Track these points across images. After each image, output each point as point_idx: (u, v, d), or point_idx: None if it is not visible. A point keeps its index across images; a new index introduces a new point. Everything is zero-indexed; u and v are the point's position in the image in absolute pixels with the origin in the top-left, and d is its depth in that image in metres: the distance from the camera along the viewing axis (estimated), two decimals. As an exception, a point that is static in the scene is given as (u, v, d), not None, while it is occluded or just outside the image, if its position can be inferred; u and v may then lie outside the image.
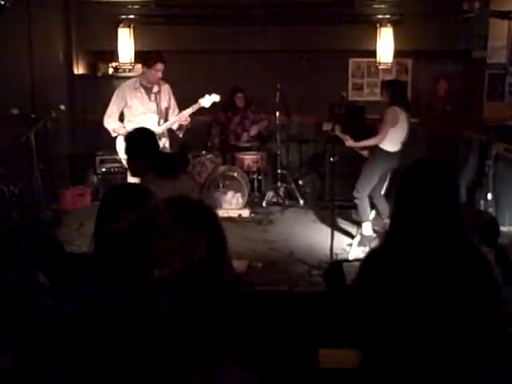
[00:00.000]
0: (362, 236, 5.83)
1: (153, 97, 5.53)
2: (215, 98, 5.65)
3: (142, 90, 5.53)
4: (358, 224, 6.09)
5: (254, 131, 7.67)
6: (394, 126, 5.64)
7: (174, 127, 5.66)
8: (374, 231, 5.88)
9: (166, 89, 5.64)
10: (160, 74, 5.49)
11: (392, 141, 5.70)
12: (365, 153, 5.92)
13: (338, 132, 5.93)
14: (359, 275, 2.10)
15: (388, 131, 5.63)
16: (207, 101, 5.61)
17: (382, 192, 5.98)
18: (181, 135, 5.77)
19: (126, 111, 5.54)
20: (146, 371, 1.12)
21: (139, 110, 5.52)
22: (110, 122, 5.50)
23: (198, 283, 1.12)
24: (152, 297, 1.09)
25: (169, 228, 1.12)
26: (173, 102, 5.72)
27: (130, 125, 5.37)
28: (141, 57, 5.69)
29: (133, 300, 1.10)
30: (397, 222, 2.10)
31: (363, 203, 5.82)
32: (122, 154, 5.23)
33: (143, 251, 1.10)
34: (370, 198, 5.90)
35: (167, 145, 5.67)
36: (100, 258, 1.97)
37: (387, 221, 5.63)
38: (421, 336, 1.93)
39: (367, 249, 5.61)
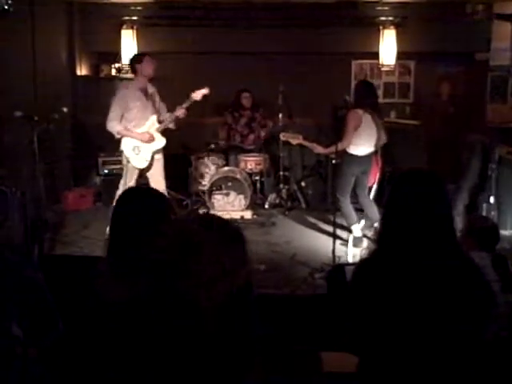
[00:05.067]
0: (354, 237, 5.83)
1: (149, 98, 5.83)
2: (204, 90, 5.84)
3: (141, 93, 5.77)
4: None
5: (263, 133, 7.72)
6: (355, 130, 5.51)
7: (171, 125, 5.99)
8: (365, 236, 5.87)
9: (155, 91, 5.97)
10: (152, 65, 5.77)
11: (358, 144, 5.59)
12: (334, 157, 5.75)
13: (302, 141, 5.90)
14: (352, 284, 2.10)
15: (351, 135, 5.51)
16: (198, 94, 5.82)
17: (371, 197, 5.98)
18: (173, 126, 6.04)
19: (126, 114, 5.74)
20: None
21: (140, 111, 5.76)
22: (115, 126, 5.70)
23: (237, 307, 1.12)
24: (196, 320, 1.08)
25: (213, 253, 1.11)
26: (161, 104, 6.06)
27: (131, 126, 5.74)
28: (128, 62, 5.94)
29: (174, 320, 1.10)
30: (387, 230, 2.09)
31: (346, 208, 5.79)
32: (127, 153, 5.76)
33: (187, 279, 1.09)
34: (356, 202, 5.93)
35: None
36: (116, 262, 1.97)
37: (377, 225, 5.66)
38: (414, 343, 1.93)
39: (362, 249, 5.63)
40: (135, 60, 5.84)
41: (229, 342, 1.13)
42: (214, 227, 1.18)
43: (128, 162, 5.79)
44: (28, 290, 2.16)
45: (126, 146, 5.77)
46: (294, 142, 6.00)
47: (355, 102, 5.65)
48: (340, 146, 5.52)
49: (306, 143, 5.91)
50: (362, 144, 5.62)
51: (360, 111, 5.54)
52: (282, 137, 6.20)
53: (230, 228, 1.21)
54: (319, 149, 5.82)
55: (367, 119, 5.57)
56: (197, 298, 1.07)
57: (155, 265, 1.14)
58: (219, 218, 1.26)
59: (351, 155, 5.64)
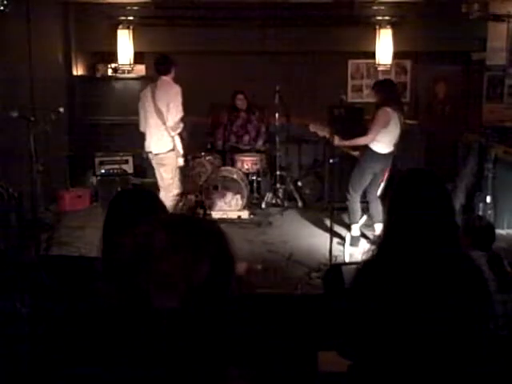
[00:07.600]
0: (352, 237, 5.83)
1: None
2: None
3: None
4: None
5: (260, 142, 7.73)
6: (385, 128, 5.53)
7: None
8: (365, 236, 5.86)
9: None
10: None
11: (383, 142, 5.61)
12: (356, 153, 5.83)
13: (324, 132, 5.88)
14: (353, 287, 2.10)
15: (378, 132, 5.53)
16: None
17: (378, 194, 5.97)
18: None
19: None
20: None
21: None
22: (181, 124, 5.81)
23: (197, 308, 1.08)
24: (151, 322, 1.06)
25: (165, 251, 1.08)
26: None
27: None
28: (169, 60, 5.87)
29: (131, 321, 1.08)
30: (389, 232, 2.08)
31: (354, 205, 5.80)
32: (181, 150, 5.89)
33: (142, 276, 1.07)
34: (365, 200, 5.90)
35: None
36: (108, 264, 1.98)
37: (377, 226, 5.65)
38: (413, 347, 1.92)
39: (359, 248, 5.63)
40: (172, 62, 5.86)
41: (195, 342, 1.11)
42: (177, 227, 1.15)
43: (175, 159, 5.85)
44: (26, 271, 2.19)
45: (179, 143, 5.84)
46: (321, 134, 5.93)
47: (384, 100, 5.59)
48: (363, 141, 5.58)
49: (327, 134, 5.81)
50: (386, 142, 5.62)
51: (390, 109, 5.54)
52: (311, 128, 6.13)
53: (197, 227, 1.17)
54: (344, 142, 5.74)
55: (395, 118, 5.58)
56: (150, 296, 1.06)
57: (117, 266, 1.12)
58: (188, 217, 1.23)
59: (374, 152, 5.63)
